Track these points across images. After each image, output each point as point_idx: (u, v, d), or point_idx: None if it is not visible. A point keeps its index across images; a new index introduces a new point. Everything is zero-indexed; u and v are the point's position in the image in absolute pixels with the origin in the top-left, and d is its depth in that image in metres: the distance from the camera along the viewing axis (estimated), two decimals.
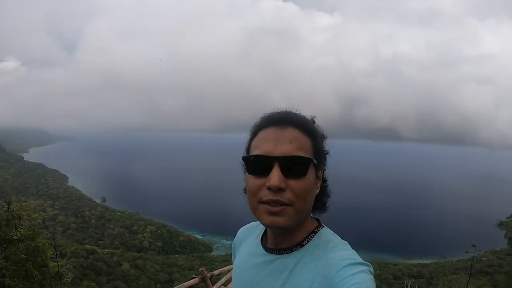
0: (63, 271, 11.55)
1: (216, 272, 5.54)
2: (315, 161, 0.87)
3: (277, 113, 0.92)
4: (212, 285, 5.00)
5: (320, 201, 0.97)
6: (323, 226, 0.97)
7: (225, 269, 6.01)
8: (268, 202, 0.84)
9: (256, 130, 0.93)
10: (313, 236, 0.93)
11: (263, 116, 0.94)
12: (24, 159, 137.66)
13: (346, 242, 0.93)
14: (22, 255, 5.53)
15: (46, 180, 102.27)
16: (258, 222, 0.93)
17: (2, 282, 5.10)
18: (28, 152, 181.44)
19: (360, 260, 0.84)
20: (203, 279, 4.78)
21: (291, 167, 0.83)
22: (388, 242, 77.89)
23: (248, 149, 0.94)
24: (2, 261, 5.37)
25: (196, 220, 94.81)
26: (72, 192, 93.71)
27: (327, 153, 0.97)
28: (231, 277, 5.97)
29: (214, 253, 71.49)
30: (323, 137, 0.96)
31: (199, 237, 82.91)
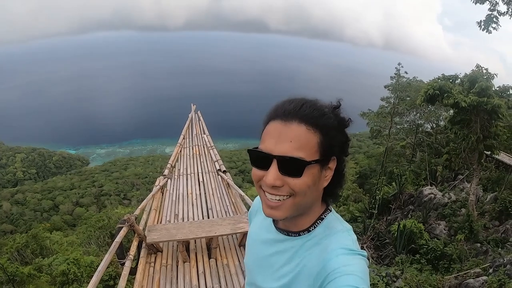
0: None
1: (137, 212, 5.45)
2: (313, 162, 0.86)
3: (288, 102, 0.92)
4: (138, 225, 4.97)
5: (331, 192, 0.99)
6: (330, 210, 1.01)
7: (143, 205, 5.90)
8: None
9: (267, 120, 0.94)
10: (320, 222, 0.98)
11: (276, 104, 0.96)
12: None
13: (349, 228, 0.98)
14: None
15: None
16: None
17: None
18: None
19: (355, 248, 0.89)
20: (131, 226, 4.68)
21: (287, 166, 0.85)
22: (256, 129, 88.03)
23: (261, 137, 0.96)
24: None
25: (66, 135, 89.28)
26: None
27: (348, 140, 0.95)
28: (150, 208, 5.97)
29: (92, 165, 70.14)
30: (341, 126, 0.93)
31: (73, 152, 79.18)
